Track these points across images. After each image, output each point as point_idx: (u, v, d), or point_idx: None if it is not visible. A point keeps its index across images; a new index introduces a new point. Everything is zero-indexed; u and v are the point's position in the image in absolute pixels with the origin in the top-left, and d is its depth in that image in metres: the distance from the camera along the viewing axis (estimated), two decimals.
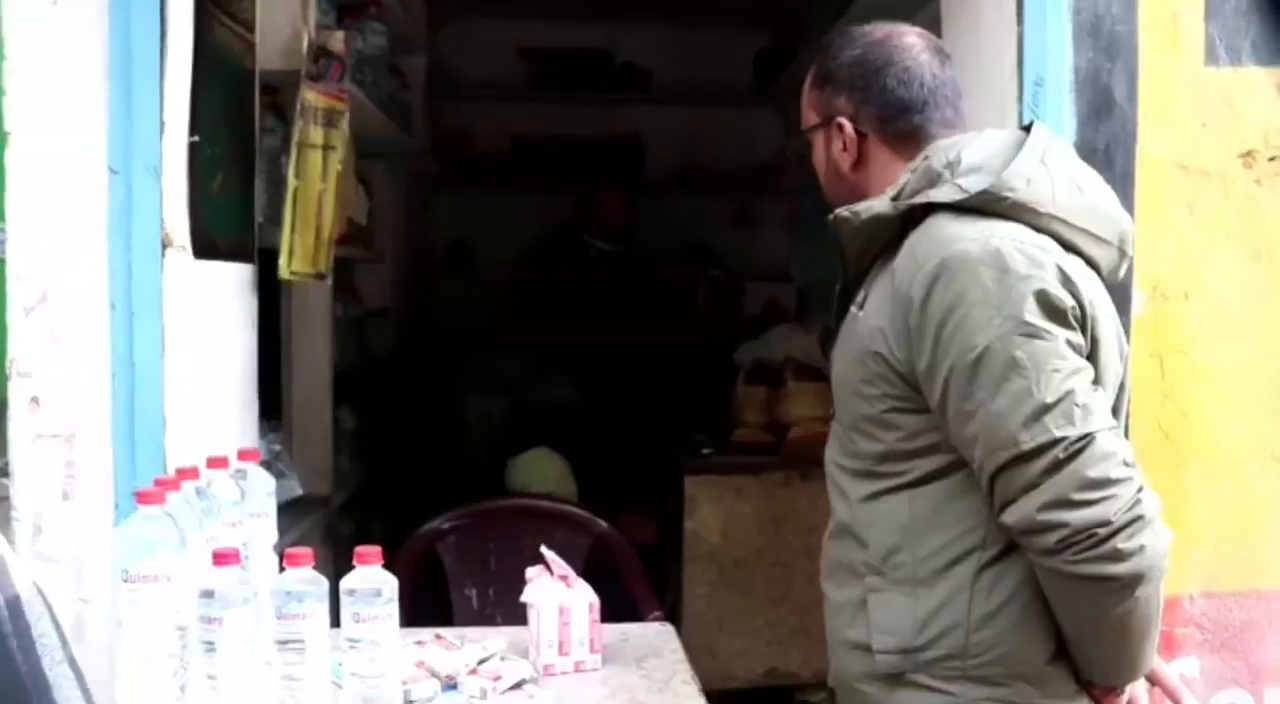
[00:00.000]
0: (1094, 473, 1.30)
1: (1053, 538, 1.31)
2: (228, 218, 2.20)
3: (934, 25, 2.46)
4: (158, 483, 1.54)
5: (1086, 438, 1.31)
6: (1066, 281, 1.37)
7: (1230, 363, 2.11)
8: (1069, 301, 1.37)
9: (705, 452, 3.70)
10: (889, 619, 1.44)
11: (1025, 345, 1.33)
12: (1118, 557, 1.30)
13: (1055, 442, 1.31)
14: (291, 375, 3.15)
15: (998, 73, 2.11)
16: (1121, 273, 1.53)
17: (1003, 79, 2.10)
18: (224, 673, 1.40)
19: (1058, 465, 1.31)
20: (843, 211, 1.48)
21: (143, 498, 1.46)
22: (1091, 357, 1.40)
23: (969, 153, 1.44)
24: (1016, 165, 1.41)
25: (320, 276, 2.58)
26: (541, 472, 3.38)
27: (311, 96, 2.48)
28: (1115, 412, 1.44)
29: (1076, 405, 1.32)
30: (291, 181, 2.46)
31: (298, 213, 2.47)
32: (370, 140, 3.17)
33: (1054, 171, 1.44)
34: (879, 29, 1.56)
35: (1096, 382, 1.38)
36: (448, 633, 1.80)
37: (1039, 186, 1.41)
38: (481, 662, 1.66)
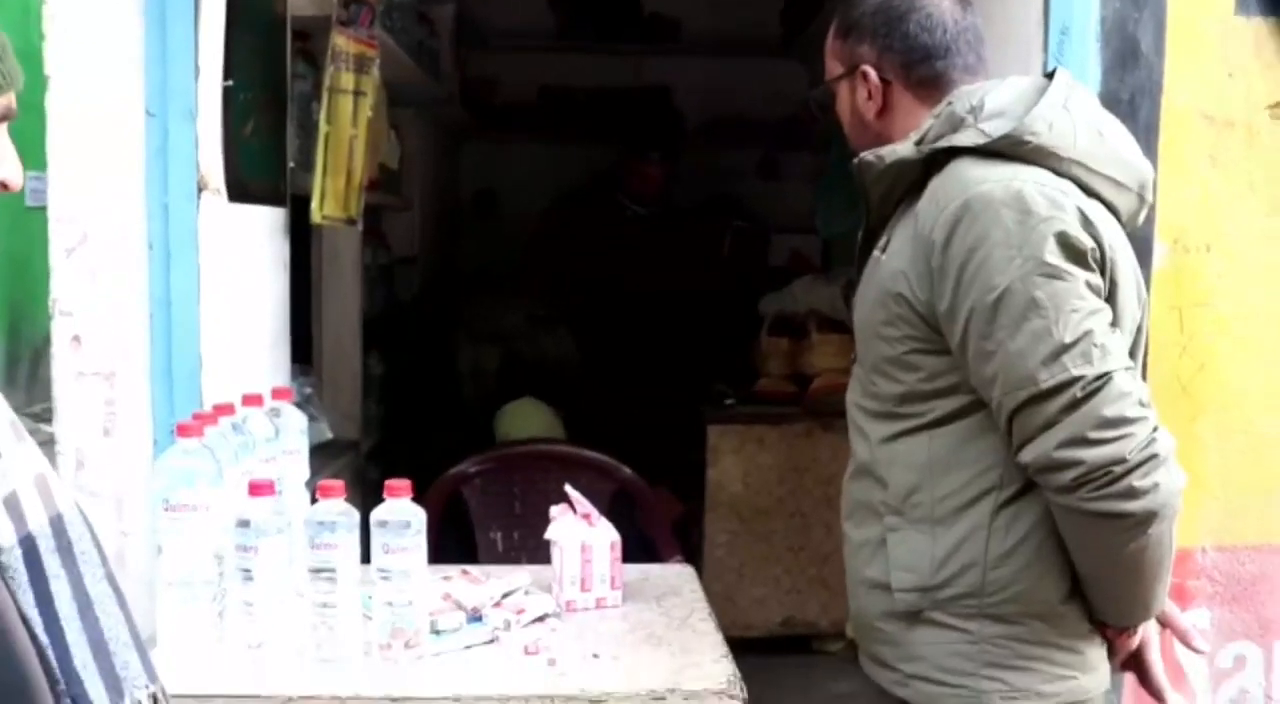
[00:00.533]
0: (1110, 412, 1.33)
1: (1069, 475, 1.34)
2: (260, 162, 2.24)
3: None
4: (196, 417, 1.59)
5: (1104, 377, 1.34)
6: (1087, 224, 1.39)
7: (1249, 316, 2.12)
8: (1089, 243, 1.39)
9: (728, 402, 3.73)
10: (908, 557, 1.48)
11: (1045, 286, 1.35)
12: (1132, 494, 1.33)
13: (1073, 380, 1.34)
14: (322, 321, 3.20)
15: (1024, 22, 2.11)
16: (1141, 219, 1.54)
17: (1029, 28, 2.10)
18: (260, 599, 1.46)
19: (1075, 404, 1.34)
20: (867, 156, 1.50)
21: (182, 431, 1.51)
22: (1110, 299, 1.42)
23: (992, 98, 1.45)
24: (1039, 110, 1.43)
25: (351, 221, 2.62)
26: (528, 421, 3.37)
27: (342, 42, 2.51)
28: (1132, 355, 1.46)
29: (1095, 345, 1.35)
30: (323, 127, 2.50)
31: (329, 158, 2.51)
32: (399, 87, 3.19)
33: (1076, 117, 1.45)
34: None
35: (1114, 324, 1.41)
36: (474, 569, 1.86)
37: (1061, 132, 1.43)
38: (506, 595, 1.71)
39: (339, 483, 1.49)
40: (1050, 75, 1.51)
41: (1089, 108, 1.49)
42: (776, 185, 5.18)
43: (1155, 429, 1.35)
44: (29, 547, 0.90)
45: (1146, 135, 2.04)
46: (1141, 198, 1.50)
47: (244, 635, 1.48)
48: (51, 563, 0.92)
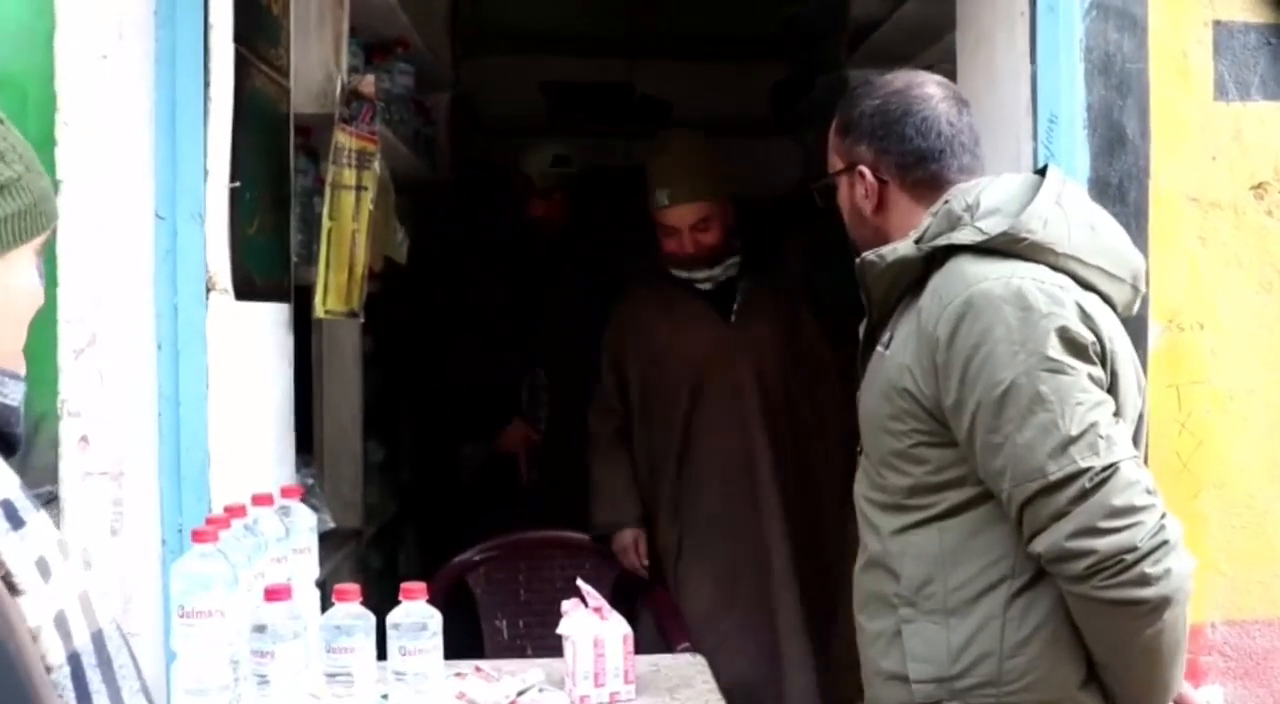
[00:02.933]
0: (1119, 501, 1.36)
1: (1082, 564, 1.36)
2: (265, 259, 2.27)
3: (949, 58, 2.53)
4: (210, 521, 1.60)
5: (1111, 468, 1.37)
6: (1086, 318, 1.43)
7: (1245, 391, 2.16)
8: (1089, 337, 1.42)
9: None
10: (924, 649, 1.49)
11: (1049, 380, 1.39)
12: (1145, 581, 1.36)
13: (1081, 472, 1.36)
14: (323, 410, 3.21)
15: (1013, 110, 2.16)
16: (1135, 308, 1.58)
17: (1018, 116, 2.15)
18: None
19: (1084, 494, 1.36)
20: (869, 255, 1.54)
21: (197, 536, 1.52)
22: (1111, 390, 1.45)
23: (987, 196, 1.50)
24: (1034, 208, 1.47)
25: (354, 314, 2.65)
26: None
27: (344, 138, 2.55)
28: (1135, 442, 1.49)
29: (1100, 437, 1.38)
30: (325, 222, 2.53)
31: (332, 253, 2.53)
32: (396, 175, 3.24)
33: (1069, 212, 1.50)
34: (899, 78, 1.62)
35: (1116, 414, 1.44)
36: (486, 665, 1.85)
37: (1055, 227, 1.47)
38: (520, 693, 1.71)
39: (355, 587, 1.49)
40: (1041, 172, 1.55)
41: (1080, 203, 1.54)
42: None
43: (1164, 516, 1.38)
44: (75, 664, 0.92)
45: (1136, 218, 2.09)
46: (1135, 288, 1.54)
47: None
48: (94, 679, 0.93)
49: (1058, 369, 1.39)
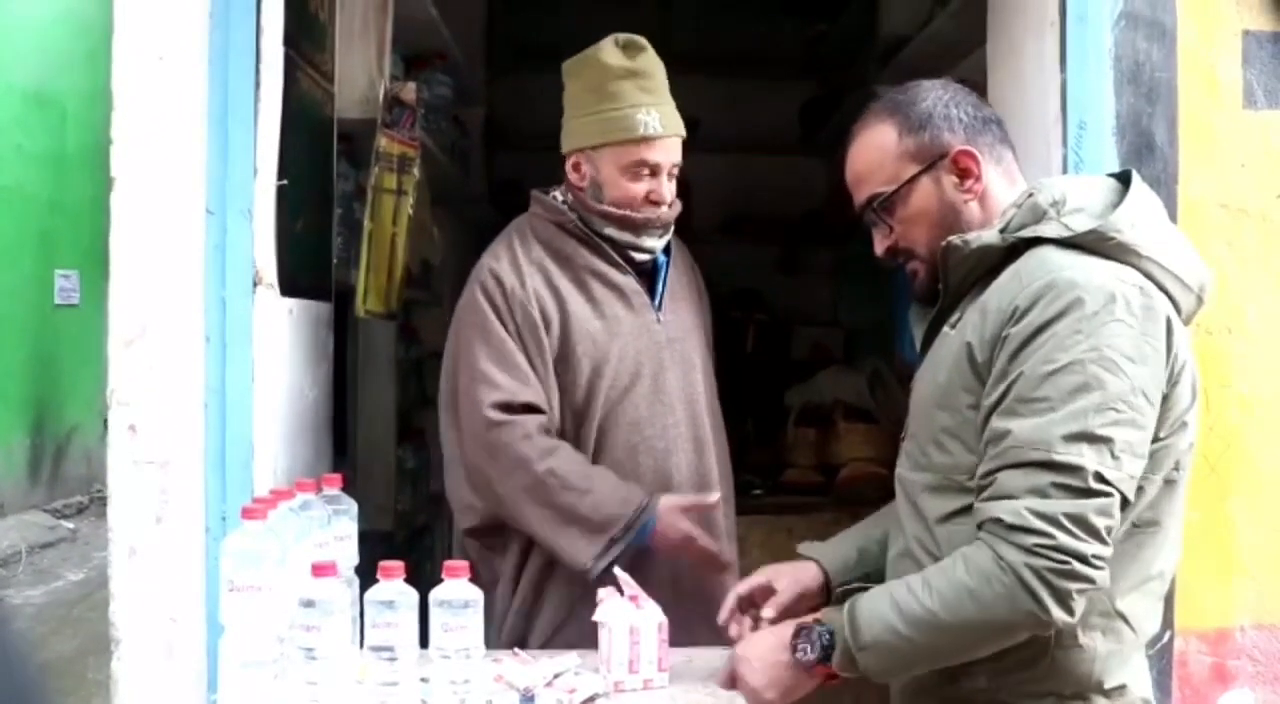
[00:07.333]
0: (1096, 521, 1.36)
1: (1032, 540, 1.36)
2: (309, 257, 2.33)
3: (979, 72, 2.56)
4: (258, 501, 1.64)
5: (1110, 490, 1.37)
6: (1169, 333, 1.43)
7: (1272, 395, 2.17)
8: (1162, 351, 1.42)
9: (755, 492, 3.75)
10: None
11: (1102, 376, 1.39)
12: (1063, 599, 1.36)
13: (1084, 470, 1.36)
14: (357, 414, 3.26)
15: (1043, 117, 2.20)
16: (1195, 319, 1.58)
17: (1048, 123, 2.19)
18: (323, 678, 1.49)
19: (1071, 491, 1.36)
20: (954, 239, 1.54)
21: (247, 513, 1.56)
22: (1165, 400, 1.44)
23: (1073, 194, 1.52)
24: (1124, 210, 1.49)
25: (392, 316, 2.70)
26: None
27: (386, 143, 2.62)
28: (1179, 458, 1.49)
29: (1114, 455, 1.38)
30: (366, 225, 2.59)
31: (372, 255, 2.60)
32: (432, 185, 3.30)
33: (1152, 218, 1.52)
34: (923, 82, 1.64)
35: (1160, 437, 1.44)
36: (522, 651, 1.88)
37: (1141, 231, 1.48)
38: (557, 676, 1.74)
39: (398, 563, 1.53)
40: (1119, 177, 1.57)
41: (1158, 212, 1.55)
42: (797, 280, 5.28)
43: (1103, 573, 1.38)
44: None
45: None
46: (1200, 299, 1.55)
47: None
48: None
49: (1114, 370, 1.39)
